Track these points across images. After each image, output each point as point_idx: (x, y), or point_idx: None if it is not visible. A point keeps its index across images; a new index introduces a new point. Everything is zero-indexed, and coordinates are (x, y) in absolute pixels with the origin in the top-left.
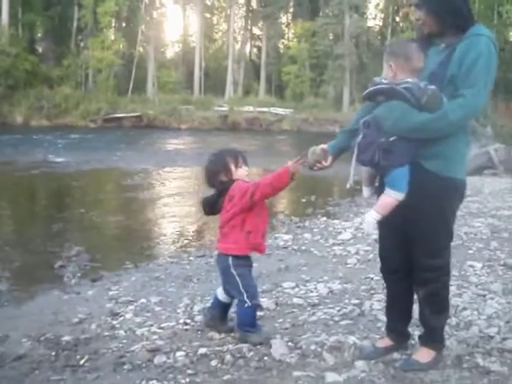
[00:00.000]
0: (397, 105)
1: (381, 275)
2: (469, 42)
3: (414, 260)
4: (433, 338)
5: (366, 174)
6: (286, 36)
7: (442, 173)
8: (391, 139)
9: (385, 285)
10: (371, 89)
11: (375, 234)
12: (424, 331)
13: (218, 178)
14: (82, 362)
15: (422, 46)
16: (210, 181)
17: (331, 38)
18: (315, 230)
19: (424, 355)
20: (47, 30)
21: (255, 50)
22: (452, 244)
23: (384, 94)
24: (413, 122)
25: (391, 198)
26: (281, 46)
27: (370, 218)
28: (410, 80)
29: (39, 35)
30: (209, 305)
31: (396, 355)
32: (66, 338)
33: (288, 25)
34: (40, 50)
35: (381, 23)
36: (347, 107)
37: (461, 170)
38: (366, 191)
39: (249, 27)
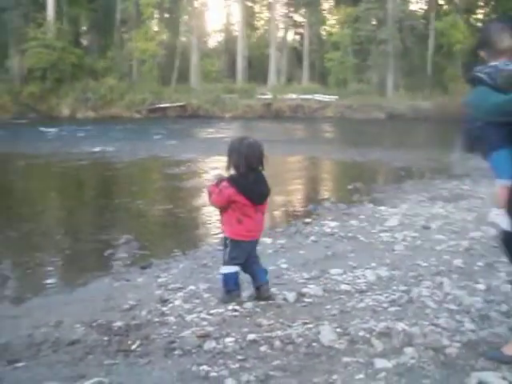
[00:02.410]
0: (481, 89)
1: (429, 262)
2: None
3: None
4: None
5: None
6: (329, 22)
7: None
8: (478, 124)
9: None
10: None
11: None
12: None
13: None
14: (133, 347)
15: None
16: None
17: (374, 23)
18: (362, 217)
19: (510, 348)
20: (91, 23)
21: (297, 37)
22: None
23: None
24: (489, 103)
25: (497, 187)
26: (323, 33)
27: (494, 215)
28: (493, 64)
29: (84, 28)
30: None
31: (446, 342)
32: (118, 323)
33: (330, 11)
34: (85, 42)
35: (424, 6)
36: (391, 92)
37: None
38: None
39: (291, 14)
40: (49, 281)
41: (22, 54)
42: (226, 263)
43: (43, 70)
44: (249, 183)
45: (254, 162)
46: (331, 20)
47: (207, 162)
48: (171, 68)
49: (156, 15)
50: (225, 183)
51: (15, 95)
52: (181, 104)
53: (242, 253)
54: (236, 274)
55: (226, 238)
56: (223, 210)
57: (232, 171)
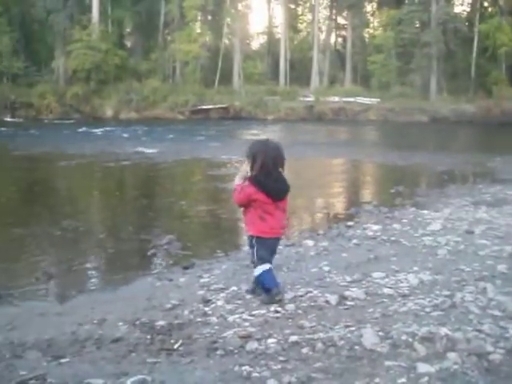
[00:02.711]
0: None
1: (472, 267)
2: None
3: None
4: None
5: None
6: (372, 25)
7: None
8: None
9: None
10: None
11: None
12: None
13: None
14: (176, 346)
15: None
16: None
17: (417, 25)
18: (404, 221)
19: None
20: (135, 25)
21: (340, 39)
22: None
23: None
24: None
25: None
26: (366, 35)
27: None
28: None
29: (128, 30)
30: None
31: (490, 348)
32: (160, 322)
33: (373, 13)
34: (128, 44)
35: (468, 9)
36: (435, 96)
37: None
38: None
39: (333, 17)
40: (92, 279)
41: (67, 56)
42: (256, 265)
43: (87, 72)
44: (269, 181)
45: (280, 162)
46: (374, 22)
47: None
48: (214, 70)
49: (199, 17)
50: (246, 182)
51: (60, 96)
52: (223, 106)
53: (268, 250)
54: (270, 270)
55: (251, 238)
56: (246, 209)
57: (254, 171)
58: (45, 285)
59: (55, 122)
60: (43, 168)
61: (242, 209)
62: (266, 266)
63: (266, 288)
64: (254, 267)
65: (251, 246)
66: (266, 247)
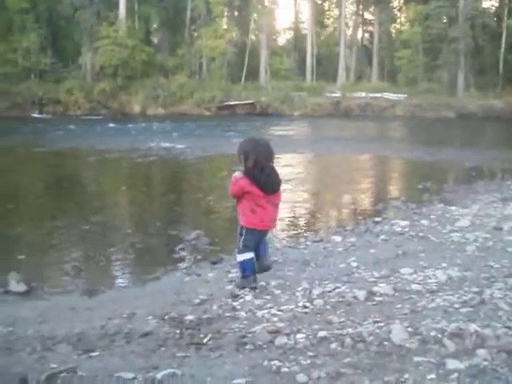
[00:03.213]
0: None
1: (501, 263)
2: None
3: None
4: None
5: None
6: (399, 20)
7: None
8: None
9: None
10: None
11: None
12: None
13: None
14: (205, 340)
15: None
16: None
17: (445, 20)
18: (432, 217)
19: None
20: (162, 21)
21: (367, 35)
22: None
23: None
24: None
25: None
26: (393, 31)
27: None
28: None
29: (154, 26)
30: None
31: None
32: (189, 317)
33: (400, 8)
34: (155, 40)
35: (497, 4)
36: (462, 92)
37: None
38: None
39: (360, 12)
40: (121, 274)
41: (94, 52)
42: (240, 251)
43: (114, 68)
44: (262, 175)
45: (270, 157)
46: (401, 18)
47: (278, 158)
48: (240, 66)
49: (226, 13)
50: (241, 175)
51: (87, 92)
52: (250, 102)
53: (254, 241)
54: (252, 259)
55: (241, 228)
56: (239, 200)
57: (248, 167)
58: (74, 279)
59: (83, 118)
60: (72, 163)
61: (235, 200)
62: (250, 255)
63: (245, 274)
64: (238, 253)
65: (240, 234)
66: (253, 238)
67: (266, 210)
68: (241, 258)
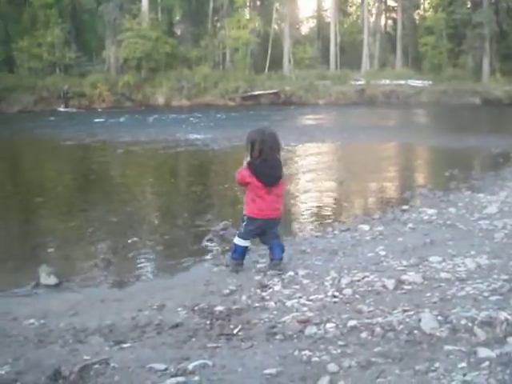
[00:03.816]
0: None
1: None
2: None
3: None
4: None
5: None
6: (422, 6)
7: None
8: None
9: None
10: None
11: None
12: None
13: None
14: (235, 331)
15: None
16: None
17: (469, 5)
18: (460, 204)
19: None
20: (185, 12)
21: (390, 21)
22: None
23: None
24: None
25: None
26: (416, 17)
27: None
28: None
29: (177, 18)
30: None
31: None
32: (219, 308)
33: None
34: (178, 32)
35: None
36: (487, 77)
37: None
38: None
39: None
40: (149, 265)
41: (118, 45)
42: (240, 236)
43: (138, 60)
44: (264, 167)
45: (276, 148)
46: (425, 4)
47: (301, 148)
48: (264, 56)
49: (248, 3)
50: (245, 165)
51: (111, 85)
52: (274, 91)
53: (256, 228)
54: (246, 248)
55: (243, 216)
56: (245, 190)
57: (253, 157)
58: (103, 271)
59: (107, 111)
60: (98, 156)
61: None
62: (246, 243)
63: (233, 256)
64: (237, 236)
65: (242, 220)
66: (253, 225)
67: (265, 201)
68: (237, 241)
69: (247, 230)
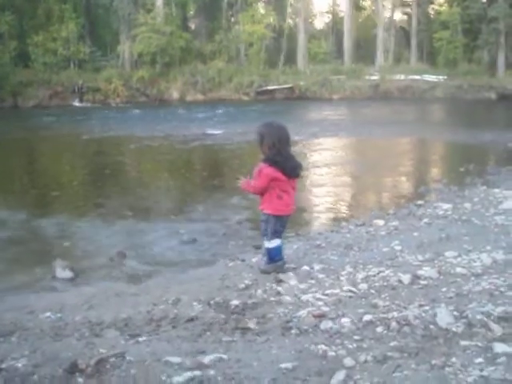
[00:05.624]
0: None
1: None
2: None
3: None
4: None
5: None
6: (437, 1)
7: None
8: None
9: None
10: None
11: None
12: None
13: None
14: (251, 325)
15: None
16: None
17: (484, 0)
18: (475, 199)
19: None
20: (199, 7)
21: (405, 16)
22: None
23: None
24: None
25: None
26: (431, 12)
27: None
28: None
29: (191, 13)
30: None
31: None
32: (234, 302)
33: None
34: (193, 26)
35: None
36: (503, 72)
37: None
38: None
39: None
40: (165, 260)
41: (133, 40)
42: (270, 238)
43: (153, 55)
44: (283, 160)
45: (285, 141)
46: None
47: (316, 143)
48: (278, 50)
49: None
50: (263, 164)
51: (126, 80)
52: (288, 86)
53: (283, 226)
54: (281, 246)
55: (267, 216)
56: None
57: (264, 152)
58: (119, 265)
59: (122, 106)
60: (113, 151)
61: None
62: (279, 242)
63: (275, 259)
64: (268, 240)
65: (266, 222)
66: (281, 223)
67: (290, 196)
68: (271, 244)
69: (276, 230)
